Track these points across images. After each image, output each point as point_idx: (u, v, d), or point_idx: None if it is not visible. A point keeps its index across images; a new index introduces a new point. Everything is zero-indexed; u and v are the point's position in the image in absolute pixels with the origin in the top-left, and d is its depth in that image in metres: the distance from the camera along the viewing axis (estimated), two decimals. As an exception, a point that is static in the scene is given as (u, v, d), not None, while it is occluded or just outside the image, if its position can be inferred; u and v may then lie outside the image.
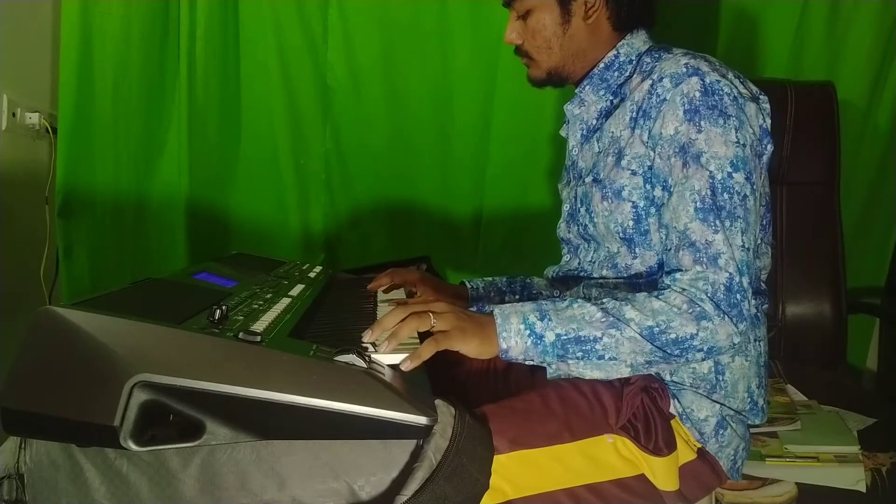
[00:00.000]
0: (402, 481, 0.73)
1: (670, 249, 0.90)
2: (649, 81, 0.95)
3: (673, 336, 0.82)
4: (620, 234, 0.98)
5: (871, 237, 1.81)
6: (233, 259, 1.26)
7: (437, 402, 0.76)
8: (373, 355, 0.77)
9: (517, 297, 1.26)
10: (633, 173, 0.96)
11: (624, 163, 0.96)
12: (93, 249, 1.69)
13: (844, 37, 1.72)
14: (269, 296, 0.96)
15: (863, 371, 1.89)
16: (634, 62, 1.03)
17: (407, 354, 0.78)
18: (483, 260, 1.78)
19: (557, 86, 1.10)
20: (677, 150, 0.90)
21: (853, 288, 1.70)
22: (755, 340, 0.97)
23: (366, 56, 1.70)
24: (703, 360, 0.88)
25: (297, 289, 1.06)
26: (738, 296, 0.84)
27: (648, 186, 0.95)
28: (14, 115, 1.52)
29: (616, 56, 1.04)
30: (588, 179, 1.04)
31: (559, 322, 0.83)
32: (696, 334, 0.83)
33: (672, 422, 0.93)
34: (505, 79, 1.67)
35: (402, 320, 0.81)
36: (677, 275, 0.87)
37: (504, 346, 0.83)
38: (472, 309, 1.24)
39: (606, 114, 1.04)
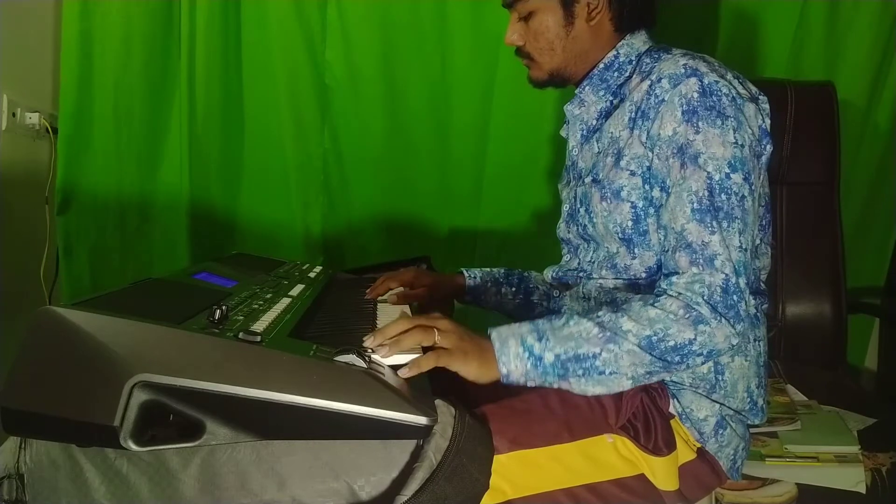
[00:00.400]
0: (402, 481, 0.73)
1: (668, 250, 0.90)
2: (648, 82, 0.95)
3: (671, 343, 0.82)
4: (619, 235, 0.98)
5: (871, 237, 1.81)
6: (233, 259, 1.26)
7: (437, 402, 0.76)
8: (373, 356, 0.77)
9: (513, 289, 1.26)
10: (632, 174, 0.96)
11: (623, 163, 0.96)
12: (93, 249, 1.69)
13: (844, 37, 1.72)
14: (269, 296, 0.96)
15: (863, 371, 1.89)
16: (634, 62, 1.03)
17: (407, 357, 0.78)
18: (481, 260, 1.78)
19: (558, 87, 1.10)
20: (675, 151, 0.90)
21: (853, 288, 1.70)
22: (755, 340, 0.97)
23: (364, 55, 1.70)
24: (704, 363, 0.88)
25: (297, 289, 1.06)
26: (735, 297, 0.84)
27: (647, 187, 0.95)
28: (14, 115, 1.52)
29: (616, 56, 1.04)
30: (588, 180, 1.04)
31: (557, 341, 0.83)
32: (695, 339, 0.82)
33: (672, 422, 0.94)
34: (504, 78, 1.67)
35: (406, 331, 0.81)
36: (674, 278, 0.87)
37: (504, 370, 0.82)
38: (467, 298, 1.25)
39: (606, 114, 1.04)
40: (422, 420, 0.69)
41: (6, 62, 1.49)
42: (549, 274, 1.16)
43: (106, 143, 1.66)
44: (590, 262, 1.06)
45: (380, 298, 1.14)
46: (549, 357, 0.82)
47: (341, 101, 1.73)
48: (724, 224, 0.86)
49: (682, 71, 0.91)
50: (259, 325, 0.79)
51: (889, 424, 1.29)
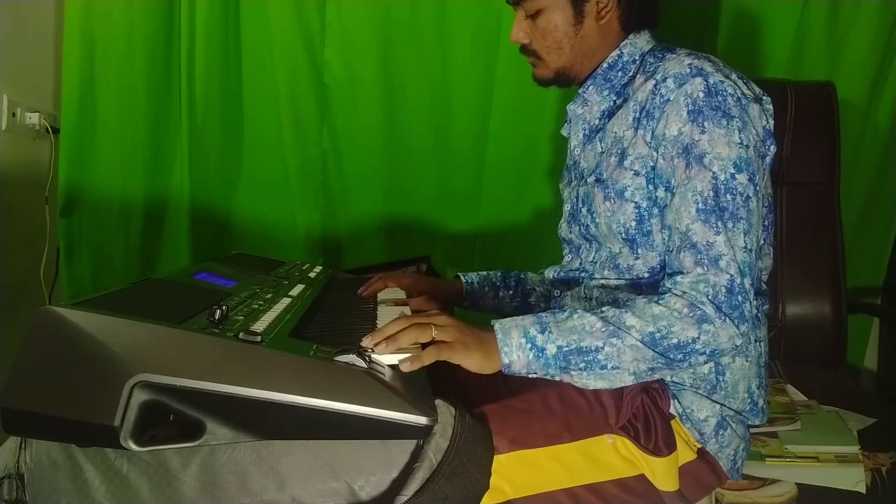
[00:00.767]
0: (402, 481, 0.73)
1: (672, 250, 0.90)
2: (653, 82, 0.95)
3: (675, 341, 0.82)
4: (623, 235, 0.98)
5: (870, 237, 1.81)
6: (233, 259, 1.26)
7: (438, 402, 0.76)
8: (373, 355, 0.77)
9: (511, 291, 1.26)
10: (636, 174, 0.96)
11: (627, 163, 0.96)
12: (93, 250, 1.69)
13: (844, 36, 1.72)
14: (269, 296, 0.96)
15: (862, 371, 1.89)
16: (638, 62, 1.02)
17: (407, 356, 0.78)
18: (481, 259, 1.78)
19: (563, 86, 1.09)
20: (680, 151, 0.90)
21: (853, 287, 1.70)
22: (756, 341, 0.97)
23: (364, 55, 1.70)
24: (706, 363, 0.88)
25: (297, 289, 1.06)
26: (740, 297, 0.84)
27: (651, 187, 0.95)
28: (14, 115, 1.52)
29: (619, 56, 1.03)
30: (590, 179, 1.03)
31: (560, 334, 0.83)
32: (698, 338, 0.82)
33: (672, 422, 0.93)
34: (504, 77, 1.67)
35: (404, 329, 0.80)
36: (678, 277, 0.87)
37: (506, 360, 0.82)
38: (465, 303, 1.25)
39: (609, 114, 1.04)
40: (422, 420, 0.69)
41: (6, 62, 1.49)
42: (550, 274, 1.15)
43: (107, 143, 1.66)
44: (592, 262, 1.06)
45: (380, 300, 1.13)
46: (551, 349, 0.82)
47: (341, 100, 1.73)
48: (730, 224, 0.86)
49: (688, 70, 0.91)
50: (259, 325, 0.79)
51: (889, 424, 1.29)
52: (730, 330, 0.83)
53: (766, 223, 1.01)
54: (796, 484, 1.16)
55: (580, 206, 1.06)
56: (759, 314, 0.97)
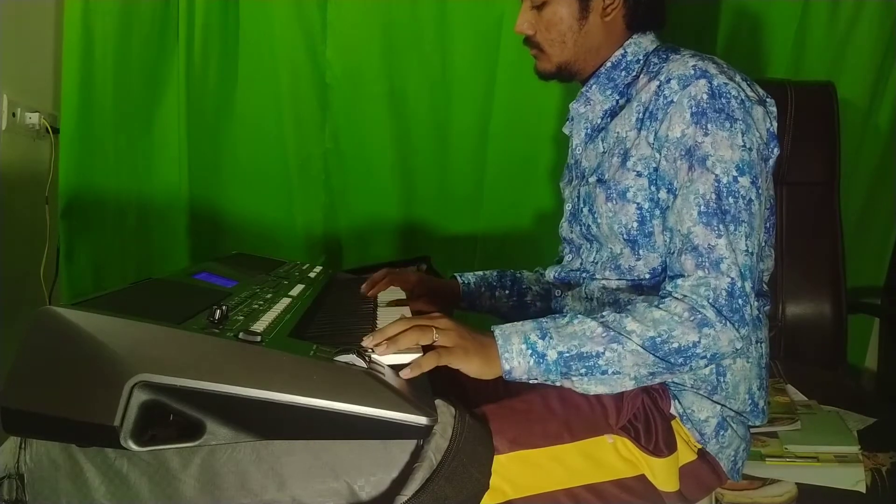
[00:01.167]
0: (402, 481, 0.73)
1: (673, 253, 0.90)
2: (656, 82, 0.95)
3: (675, 345, 0.82)
4: (624, 236, 0.98)
5: (871, 237, 1.81)
6: (233, 259, 1.26)
7: (438, 402, 0.76)
8: (373, 356, 0.77)
9: (507, 291, 1.26)
10: (639, 175, 0.95)
11: (629, 164, 0.96)
12: (93, 249, 1.69)
13: (845, 37, 1.72)
14: (269, 296, 0.96)
15: (863, 371, 1.89)
16: (641, 62, 1.02)
17: (406, 357, 0.78)
18: (482, 260, 1.78)
19: (564, 80, 1.09)
20: (683, 153, 0.90)
21: (853, 287, 1.70)
22: (756, 342, 0.96)
23: (365, 54, 1.70)
24: (706, 366, 0.88)
25: (297, 289, 1.06)
26: (741, 301, 0.84)
27: (653, 188, 0.95)
28: (14, 115, 1.52)
29: (623, 55, 1.03)
30: (592, 179, 1.03)
31: (560, 339, 0.82)
32: (699, 342, 0.82)
33: (672, 422, 0.93)
34: (505, 76, 1.67)
35: (405, 331, 0.80)
36: (679, 281, 0.87)
37: (507, 366, 0.82)
38: (462, 304, 1.24)
39: (612, 114, 1.04)
40: (422, 420, 0.69)
41: (6, 62, 1.49)
42: (551, 274, 1.15)
43: (107, 143, 1.66)
44: (593, 262, 1.06)
45: (380, 300, 1.13)
46: (552, 355, 0.82)
47: (342, 100, 1.73)
48: (731, 227, 0.86)
49: (692, 72, 0.91)
50: (259, 325, 0.79)
51: (889, 424, 1.28)
52: (730, 334, 0.83)
53: (768, 225, 1.01)
54: (796, 484, 1.16)
55: (581, 205, 1.06)
56: (761, 315, 0.97)
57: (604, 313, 0.85)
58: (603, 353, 0.82)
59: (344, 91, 1.72)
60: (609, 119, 1.04)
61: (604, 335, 0.82)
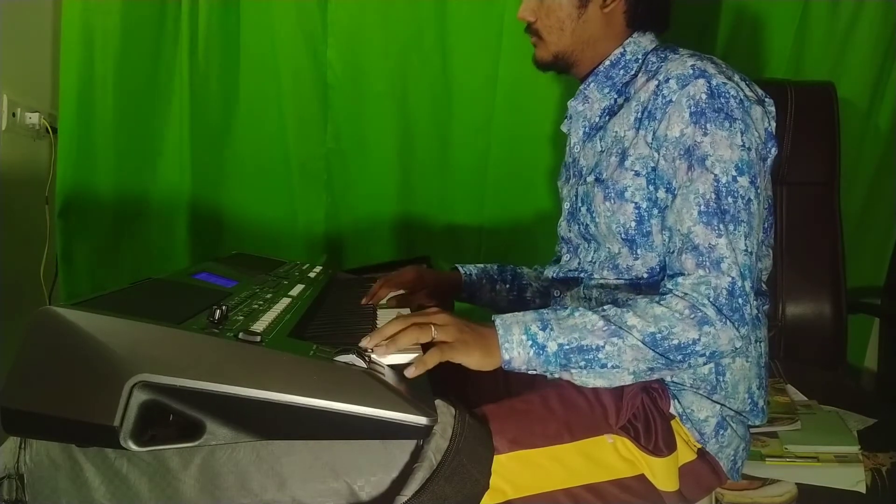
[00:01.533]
0: (402, 481, 0.73)
1: (673, 252, 0.90)
2: (655, 82, 0.95)
3: (675, 342, 0.82)
4: (622, 235, 0.98)
5: (871, 237, 1.81)
6: (233, 259, 1.26)
7: (437, 402, 0.76)
8: (372, 356, 0.77)
9: (507, 285, 1.26)
10: (637, 174, 0.95)
11: (627, 163, 0.96)
12: (93, 249, 1.69)
13: (845, 37, 1.71)
14: (269, 296, 0.96)
15: (862, 371, 1.89)
16: (640, 61, 1.03)
17: (406, 356, 0.78)
18: (484, 259, 1.78)
19: (562, 72, 1.09)
20: (682, 153, 0.90)
21: (853, 288, 1.70)
22: (756, 342, 0.97)
23: (366, 54, 1.70)
24: (705, 364, 0.88)
25: (297, 289, 1.06)
26: (741, 300, 0.84)
27: (651, 188, 0.95)
28: (14, 115, 1.52)
29: (622, 54, 1.04)
30: (590, 179, 1.03)
31: (561, 331, 0.83)
32: (699, 339, 0.83)
33: (672, 422, 0.93)
34: (507, 75, 1.67)
35: (403, 329, 0.80)
36: (679, 279, 0.87)
37: (506, 357, 0.82)
38: (463, 295, 1.25)
39: (610, 112, 1.04)
40: (422, 420, 0.69)
41: (6, 62, 1.49)
42: (549, 274, 1.15)
43: (106, 143, 1.66)
44: (591, 262, 1.06)
45: (380, 303, 1.13)
46: (552, 346, 0.82)
47: (343, 100, 1.72)
48: (731, 227, 0.86)
49: (690, 72, 0.91)
50: (259, 325, 0.79)
51: (889, 424, 1.28)
52: (730, 332, 0.83)
53: (766, 225, 1.01)
54: (796, 484, 1.16)
55: (579, 205, 1.06)
56: (760, 315, 0.97)
57: (605, 307, 0.85)
58: (603, 347, 0.82)
59: (345, 91, 1.72)
60: (607, 118, 1.04)
61: (604, 329, 0.82)
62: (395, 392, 0.70)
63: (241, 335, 0.70)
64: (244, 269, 1.13)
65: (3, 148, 1.49)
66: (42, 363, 0.66)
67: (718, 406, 0.95)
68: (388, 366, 0.77)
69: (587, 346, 0.82)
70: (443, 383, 0.81)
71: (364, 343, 0.79)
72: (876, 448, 1.20)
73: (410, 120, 1.73)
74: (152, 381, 0.65)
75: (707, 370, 0.94)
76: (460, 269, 1.25)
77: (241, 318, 0.81)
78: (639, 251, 0.98)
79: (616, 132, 1.00)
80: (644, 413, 0.91)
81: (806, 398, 1.40)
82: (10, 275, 1.50)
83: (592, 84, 1.06)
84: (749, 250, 0.86)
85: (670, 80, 0.92)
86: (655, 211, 0.95)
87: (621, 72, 1.04)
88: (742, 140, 0.88)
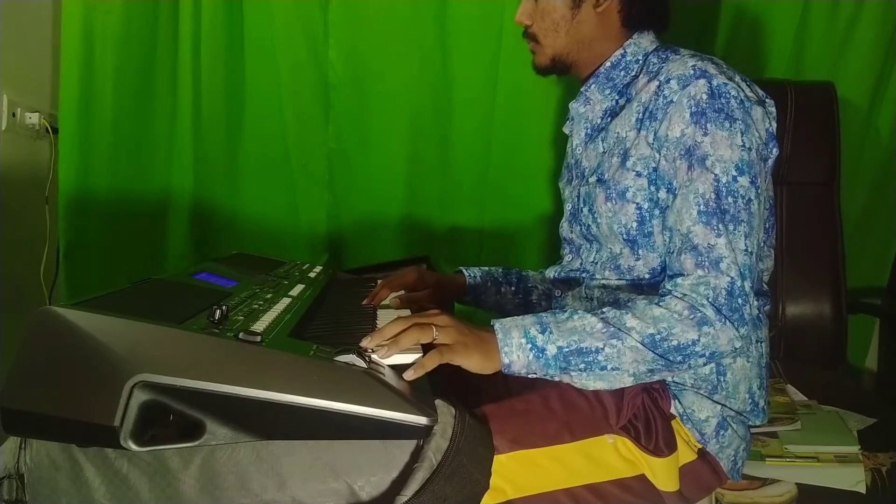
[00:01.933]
0: (402, 481, 0.73)
1: (673, 252, 0.90)
2: (656, 82, 0.95)
3: (675, 343, 0.82)
4: (624, 236, 0.98)
5: (873, 238, 1.81)
6: (233, 259, 1.26)
7: (438, 402, 0.76)
8: (373, 356, 0.77)
9: (513, 288, 1.26)
10: (638, 175, 0.96)
11: (629, 164, 0.96)
12: (93, 249, 1.69)
13: (845, 37, 1.71)
14: (269, 296, 0.96)
15: (863, 371, 1.89)
16: (641, 62, 1.03)
17: (407, 357, 0.78)
18: (486, 259, 1.78)
19: (561, 74, 1.10)
20: (683, 153, 0.90)
21: (856, 288, 1.70)
22: (756, 342, 0.97)
23: (367, 54, 1.70)
24: (705, 365, 0.88)
25: (298, 289, 1.06)
26: (740, 300, 0.84)
27: (653, 188, 0.95)
28: (14, 115, 1.52)
29: (623, 55, 1.04)
30: (592, 179, 1.03)
31: (560, 334, 0.83)
32: (698, 340, 0.82)
33: (672, 422, 0.93)
34: (507, 75, 1.67)
35: (404, 330, 0.80)
36: (679, 279, 0.87)
37: (506, 360, 0.82)
38: (467, 298, 1.24)
39: (612, 114, 1.04)
40: (422, 420, 0.69)
41: (6, 62, 1.49)
42: (551, 274, 1.15)
43: (107, 143, 1.66)
44: (593, 262, 1.06)
45: (381, 304, 1.13)
46: (551, 349, 0.82)
47: (345, 100, 1.72)
48: (731, 227, 0.86)
49: (691, 72, 0.91)
50: (259, 325, 0.79)
51: (889, 424, 1.28)
52: (730, 333, 0.83)
53: (768, 225, 1.01)
54: (796, 484, 1.16)
55: (581, 205, 1.06)
56: (761, 315, 0.97)
57: (604, 309, 0.85)
58: (602, 349, 0.82)
59: (347, 91, 1.72)
60: (609, 119, 1.04)
61: (603, 331, 0.82)
62: (396, 392, 0.70)
63: (241, 335, 0.70)
64: (244, 269, 1.13)
65: (3, 148, 1.49)
66: (42, 363, 0.66)
67: (719, 406, 0.95)
68: (389, 366, 0.77)
69: (586, 348, 0.82)
70: (443, 383, 0.81)
71: (365, 343, 0.79)
72: (876, 448, 1.20)
73: (412, 120, 1.73)
74: (152, 381, 0.65)
75: (708, 370, 0.94)
76: (464, 271, 1.25)
77: (242, 318, 0.81)
78: (640, 252, 0.98)
79: (618, 133, 1.00)
80: (644, 413, 0.91)
81: (806, 398, 1.40)
82: (10, 275, 1.50)
83: (593, 85, 1.06)
84: (749, 250, 0.86)
85: (671, 81, 0.93)
86: (657, 211, 0.95)
87: (622, 73, 1.04)
88: (742, 140, 0.88)
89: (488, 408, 0.86)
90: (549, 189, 1.73)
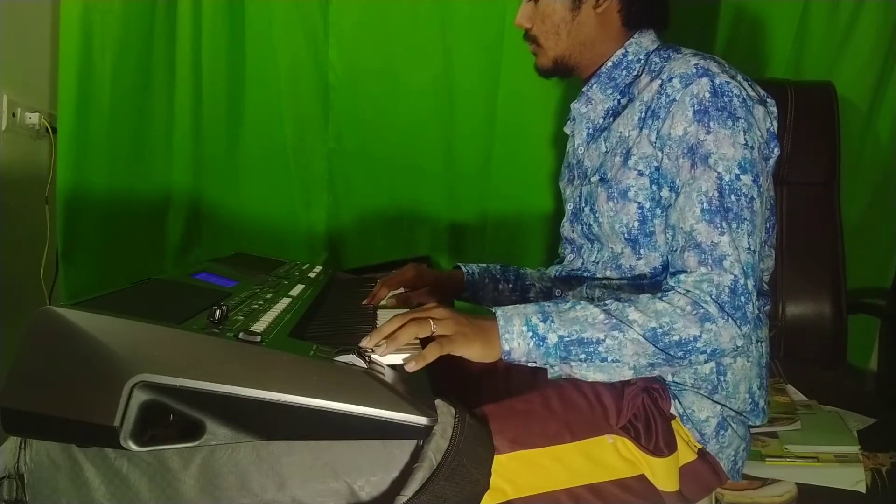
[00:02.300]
0: (402, 481, 0.73)
1: (676, 250, 0.90)
2: (658, 81, 0.95)
3: (676, 338, 0.82)
4: (625, 235, 0.98)
5: (875, 238, 1.81)
6: (233, 259, 1.26)
7: (438, 402, 0.76)
8: (373, 356, 0.76)
9: (510, 285, 1.26)
10: (640, 174, 0.96)
11: (631, 163, 0.96)
12: (93, 249, 1.69)
13: (845, 37, 1.71)
14: (269, 296, 0.96)
15: (865, 371, 1.88)
16: (643, 61, 1.03)
17: (407, 355, 0.78)
18: (488, 259, 1.77)
19: (564, 76, 1.10)
20: (686, 151, 0.90)
21: (859, 288, 1.70)
22: (757, 342, 0.97)
23: (367, 54, 1.70)
24: (706, 362, 0.88)
25: (297, 289, 1.06)
26: (743, 298, 0.84)
27: (655, 187, 0.95)
28: (14, 115, 1.52)
29: (624, 55, 1.04)
30: (594, 179, 1.03)
31: (562, 324, 0.83)
32: (700, 336, 0.82)
33: (673, 422, 0.93)
34: (509, 75, 1.67)
35: (401, 326, 0.80)
36: (682, 276, 0.87)
37: (506, 347, 0.82)
38: (465, 294, 1.24)
39: (614, 113, 1.04)
40: (422, 420, 0.69)
41: (6, 62, 1.49)
42: (552, 273, 1.15)
43: (106, 142, 1.66)
44: (594, 262, 1.06)
45: (381, 303, 1.13)
46: (552, 338, 0.82)
47: (345, 100, 1.72)
48: (734, 225, 0.86)
49: (694, 71, 0.91)
50: (259, 325, 0.79)
51: (889, 424, 1.28)
52: (732, 331, 0.83)
53: (769, 225, 1.01)
54: (796, 484, 1.16)
55: (583, 205, 1.06)
56: (761, 314, 0.97)
57: (606, 301, 0.85)
58: (603, 340, 0.82)
59: (347, 91, 1.72)
60: (611, 119, 1.04)
61: (605, 322, 0.82)
62: (396, 392, 0.70)
63: (241, 335, 0.70)
64: (244, 269, 1.13)
65: (3, 148, 1.49)
66: (42, 363, 0.66)
67: (719, 406, 0.95)
68: (389, 366, 0.77)
69: (588, 338, 0.82)
70: (443, 383, 0.81)
71: (364, 343, 0.79)
72: (876, 448, 1.20)
73: (412, 120, 1.73)
74: (152, 381, 0.65)
75: (708, 370, 0.94)
76: (462, 267, 1.25)
77: (242, 318, 0.81)
78: (642, 251, 0.98)
79: (621, 132, 1.00)
80: (644, 413, 0.91)
81: (806, 398, 1.40)
82: (10, 275, 1.50)
83: (595, 85, 1.06)
84: (752, 248, 0.86)
85: (674, 79, 0.93)
86: (659, 211, 0.95)
87: (624, 72, 1.04)
88: (745, 139, 0.89)
89: (488, 408, 0.86)
90: (550, 189, 1.73)
